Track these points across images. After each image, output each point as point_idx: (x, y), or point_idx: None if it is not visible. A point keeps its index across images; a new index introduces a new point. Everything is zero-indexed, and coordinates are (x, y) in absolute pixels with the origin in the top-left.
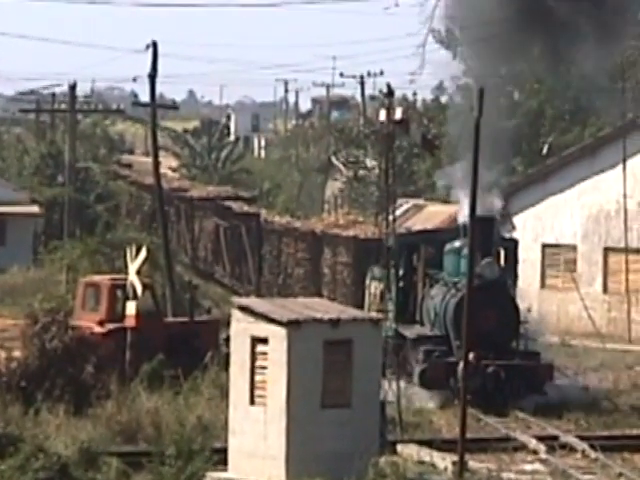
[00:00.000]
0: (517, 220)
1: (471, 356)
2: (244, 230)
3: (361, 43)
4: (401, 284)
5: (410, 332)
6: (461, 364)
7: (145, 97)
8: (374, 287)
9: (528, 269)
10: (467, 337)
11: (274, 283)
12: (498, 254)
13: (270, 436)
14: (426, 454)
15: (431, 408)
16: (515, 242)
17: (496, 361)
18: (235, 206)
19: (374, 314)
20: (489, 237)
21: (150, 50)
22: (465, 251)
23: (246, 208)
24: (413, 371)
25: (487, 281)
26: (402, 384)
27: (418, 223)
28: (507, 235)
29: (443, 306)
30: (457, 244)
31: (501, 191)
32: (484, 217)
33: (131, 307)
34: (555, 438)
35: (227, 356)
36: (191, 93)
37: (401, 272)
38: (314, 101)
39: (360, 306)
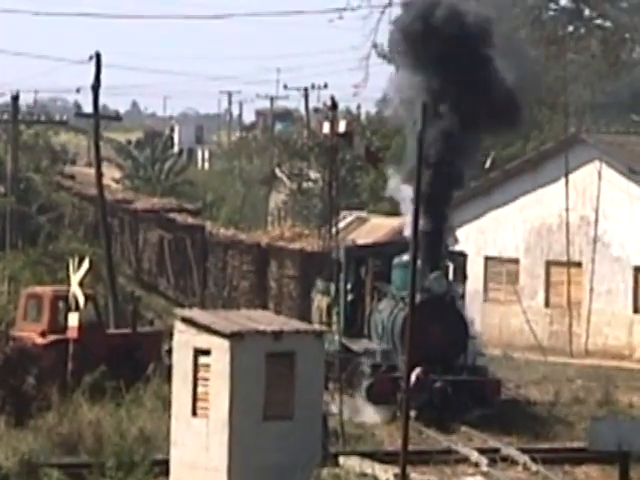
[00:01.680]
0: (460, 233)
1: (418, 371)
2: (189, 242)
3: (305, 56)
4: (349, 297)
5: (357, 346)
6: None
7: (88, 108)
8: (318, 300)
9: (471, 282)
10: (411, 351)
11: (219, 296)
12: (446, 268)
13: (212, 448)
14: (368, 466)
15: (377, 422)
16: (464, 256)
17: (443, 376)
18: (180, 218)
19: (318, 327)
20: (437, 250)
21: (93, 61)
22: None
23: (191, 220)
24: (360, 385)
25: (435, 295)
26: (346, 398)
27: (361, 236)
28: (453, 248)
29: (391, 320)
30: (405, 258)
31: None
32: (431, 230)
33: (73, 318)
34: (496, 451)
35: (169, 368)
36: (134, 104)
37: (349, 285)
38: (258, 113)
39: (307, 319)
